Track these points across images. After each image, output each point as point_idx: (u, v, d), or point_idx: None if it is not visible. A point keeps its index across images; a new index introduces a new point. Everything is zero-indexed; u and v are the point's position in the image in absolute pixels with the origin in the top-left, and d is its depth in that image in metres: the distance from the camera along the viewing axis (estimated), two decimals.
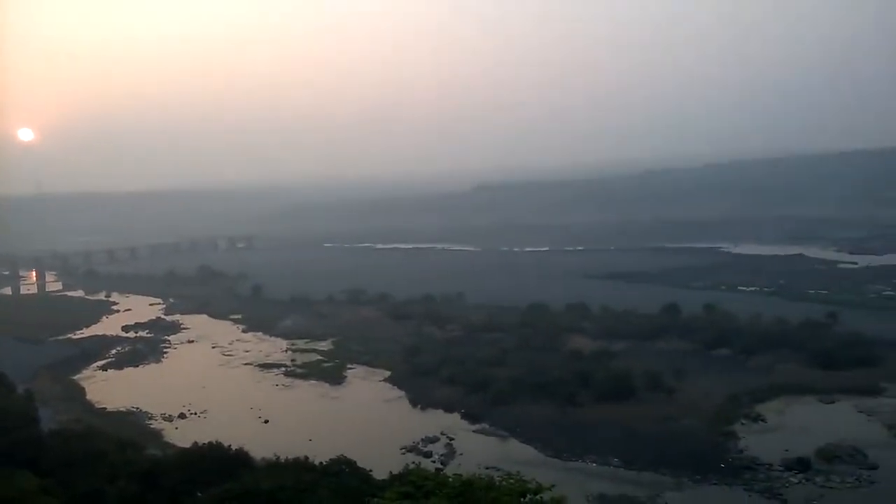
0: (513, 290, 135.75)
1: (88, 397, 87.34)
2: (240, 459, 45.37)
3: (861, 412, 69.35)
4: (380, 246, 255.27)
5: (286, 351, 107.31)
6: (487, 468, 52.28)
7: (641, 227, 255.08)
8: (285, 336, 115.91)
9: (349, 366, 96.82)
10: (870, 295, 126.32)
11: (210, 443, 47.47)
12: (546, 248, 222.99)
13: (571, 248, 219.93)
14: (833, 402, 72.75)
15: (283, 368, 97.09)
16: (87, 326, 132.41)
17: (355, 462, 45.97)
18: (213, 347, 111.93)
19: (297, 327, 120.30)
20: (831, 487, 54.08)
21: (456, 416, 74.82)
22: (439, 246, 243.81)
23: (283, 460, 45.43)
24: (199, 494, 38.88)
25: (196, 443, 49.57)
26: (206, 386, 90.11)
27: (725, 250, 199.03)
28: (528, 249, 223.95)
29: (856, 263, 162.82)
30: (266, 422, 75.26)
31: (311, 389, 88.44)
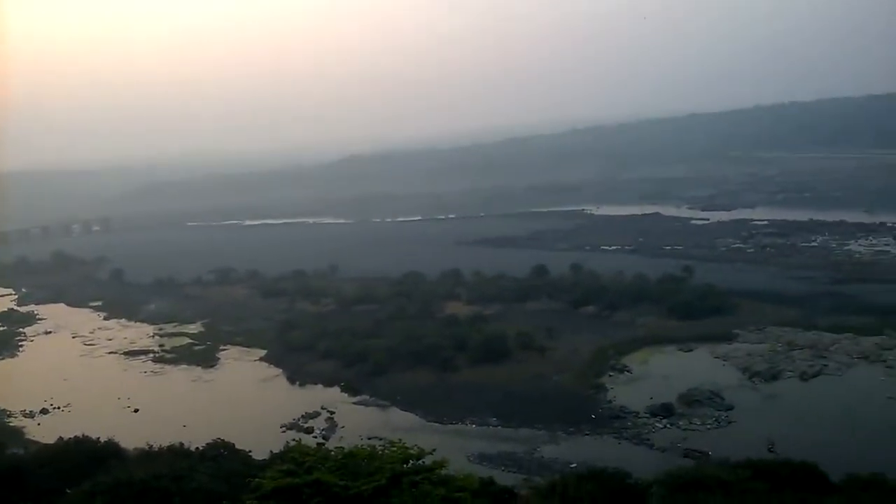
0: (387, 261, 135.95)
1: None
2: (110, 451, 43.38)
3: (717, 358, 74.49)
4: (248, 222, 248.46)
5: (153, 336, 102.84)
6: (370, 438, 52.58)
7: (509, 193, 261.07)
8: (151, 321, 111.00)
9: (222, 347, 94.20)
10: (721, 248, 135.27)
11: (76, 437, 45.15)
12: (418, 218, 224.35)
13: (443, 217, 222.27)
14: (691, 350, 77.73)
15: (151, 355, 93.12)
16: None
17: (234, 444, 45.06)
18: (74, 337, 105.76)
19: (164, 311, 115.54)
20: (693, 430, 57.95)
21: (335, 390, 74.62)
22: (309, 220, 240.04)
23: (156, 449, 43.86)
24: (69, 491, 36.94)
25: (61, 438, 47.01)
26: (69, 378, 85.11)
27: (589, 212, 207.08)
28: (400, 220, 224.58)
29: (707, 220, 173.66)
30: (136, 411, 72.19)
31: (182, 374, 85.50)
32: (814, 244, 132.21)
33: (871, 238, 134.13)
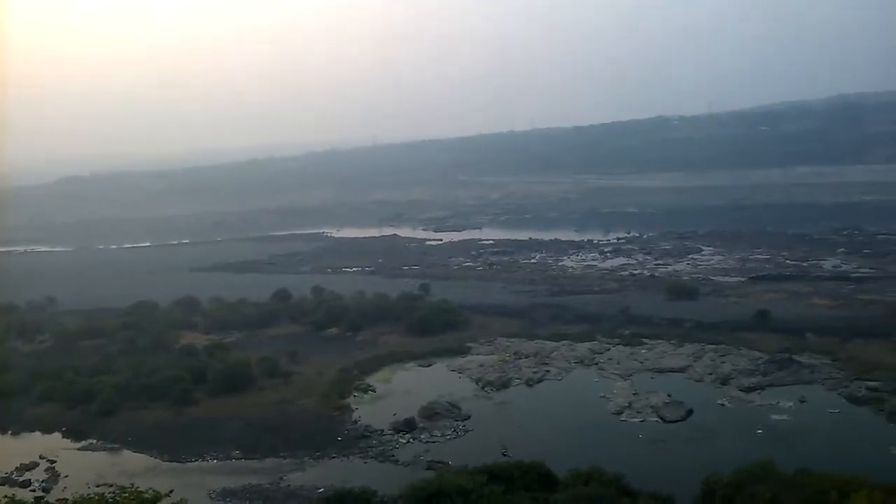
0: (114, 291, 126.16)
1: None
2: None
3: (453, 371, 78.13)
4: None
5: None
6: (98, 486, 48.73)
7: (247, 216, 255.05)
8: None
9: None
10: (453, 267, 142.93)
11: None
12: (147, 244, 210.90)
13: (176, 242, 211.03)
14: (430, 365, 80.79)
15: None
16: None
17: None
18: None
19: None
20: (435, 442, 60.18)
21: (56, 436, 67.33)
22: (20, 248, 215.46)
23: None
24: None
25: None
26: None
27: (329, 235, 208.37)
28: (127, 246, 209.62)
29: (441, 240, 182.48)
30: None
31: None
32: (533, 261, 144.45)
33: (580, 254, 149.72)
